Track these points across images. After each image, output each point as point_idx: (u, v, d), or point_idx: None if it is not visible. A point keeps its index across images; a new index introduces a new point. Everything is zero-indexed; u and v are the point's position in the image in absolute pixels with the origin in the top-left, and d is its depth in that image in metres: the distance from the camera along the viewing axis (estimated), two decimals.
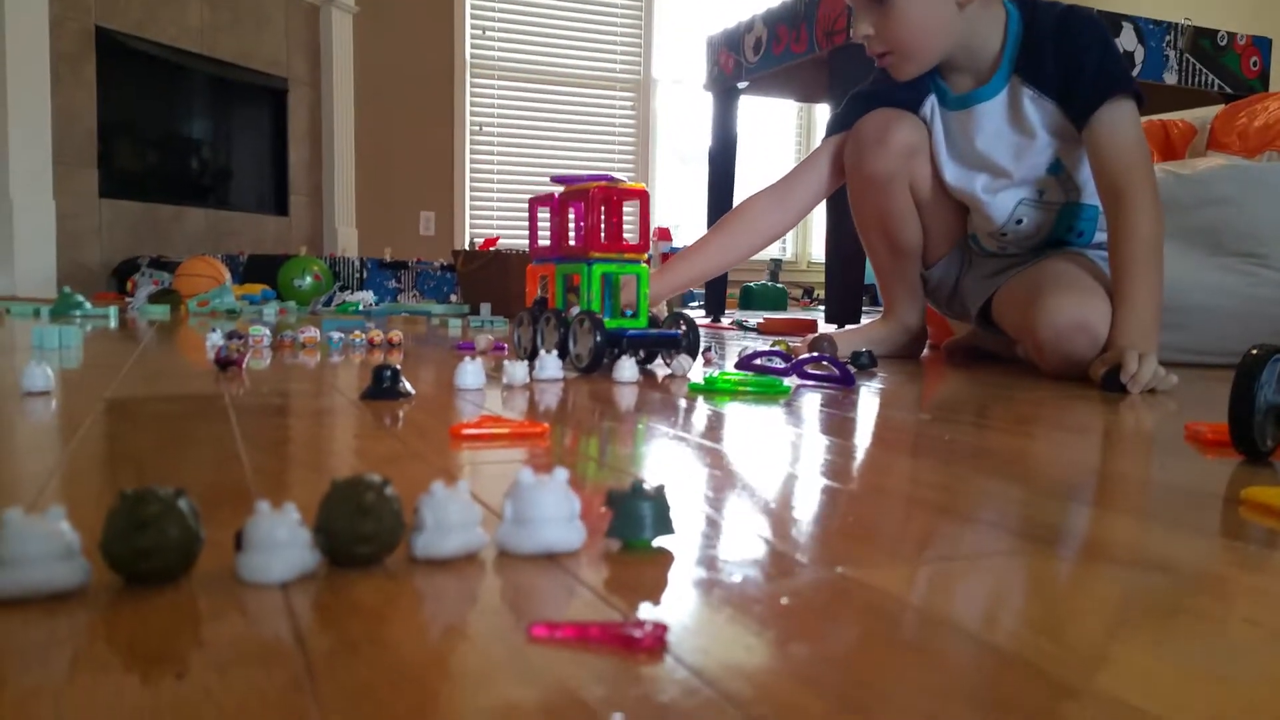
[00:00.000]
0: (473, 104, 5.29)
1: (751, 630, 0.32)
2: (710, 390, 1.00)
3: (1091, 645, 0.32)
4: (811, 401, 0.97)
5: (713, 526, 0.46)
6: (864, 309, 2.56)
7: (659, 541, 0.42)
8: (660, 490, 0.41)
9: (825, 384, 1.12)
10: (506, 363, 1.02)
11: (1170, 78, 2.62)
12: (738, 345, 1.72)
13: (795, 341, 1.63)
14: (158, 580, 0.35)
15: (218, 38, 4.19)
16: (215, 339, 1.22)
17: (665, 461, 0.63)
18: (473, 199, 5.33)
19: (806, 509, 0.51)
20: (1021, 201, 1.43)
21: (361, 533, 0.36)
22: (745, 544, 0.43)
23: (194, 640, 0.30)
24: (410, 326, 2.27)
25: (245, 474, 0.55)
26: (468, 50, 5.24)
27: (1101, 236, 1.39)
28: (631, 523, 0.40)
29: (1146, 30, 2.57)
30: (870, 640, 0.32)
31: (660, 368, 1.25)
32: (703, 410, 0.88)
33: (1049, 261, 1.38)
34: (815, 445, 0.72)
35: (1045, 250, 1.45)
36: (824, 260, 2.51)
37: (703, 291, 3.58)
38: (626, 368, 1.09)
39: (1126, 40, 2.55)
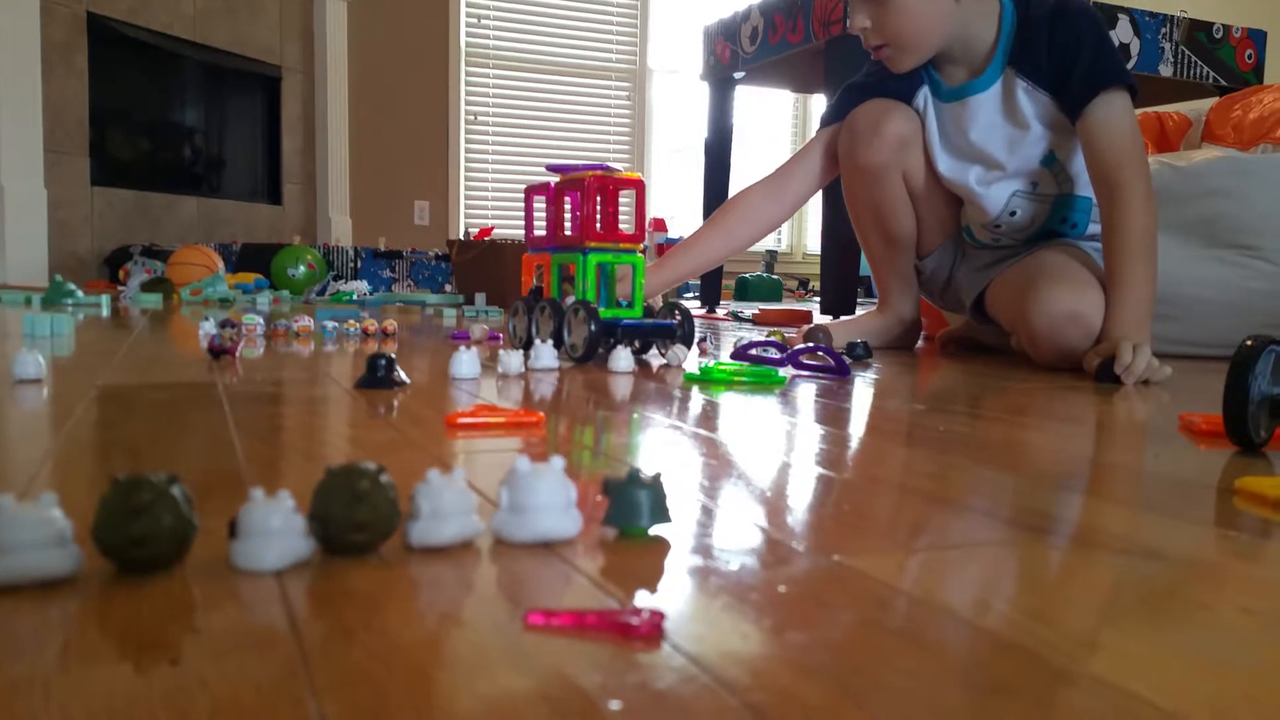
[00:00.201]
0: (468, 93, 5.27)
1: (748, 618, 0.32)
2: (705, 380, 1.00)
3: (1087, 632, 0.32)
4: (806, 392, 0.97)
5: (709, 515, 0.46)
6: (858, 300, 2.56)
7: (655, 530, 0.41)
8: (657, 479, 0.41)
9: (820, 374, 1.12)
10: (502, 352, 1.02)
11: (1165, 70, 2.62)
12: (733, 336, 1.71)
13: (790, 332, 1.63)
14: (151, 568, 0.35)
15: (211, 25, 4.17)
16: (208, 327, 1.21)
17: (661, 450, 0.63)
18: (467, 189, 5.32)
19: (802, 498, 0.51)
20: (1015, 193, 1.43)
21: (357, 520, 0.36)
22: (741, 532, 0.43)
23: (187, 628, 0.30)
24: (405, 316, 2.26)
25: (239, 462, 0.55)
26: (463, 39, 5.22)
27: (1095, 228, 1.39)
28: (628, 511, 0.40)
29: (1142, 22, 2.57)
30: (867, 627, 0.32)
31: (655, 358, 1.25)
32: (698, 400, 0.88)
33: (1043, 253, 1.38)
34: (810, 435, 0.72)
35: (1039, 242, 1.45)
36: (819, 252, 2.51)
37: (698, 283, 3.58)
38: (622, 358, 1.09)
39: (1122, 32, 2.55)
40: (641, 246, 1.24)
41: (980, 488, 0.55)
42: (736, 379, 1.00)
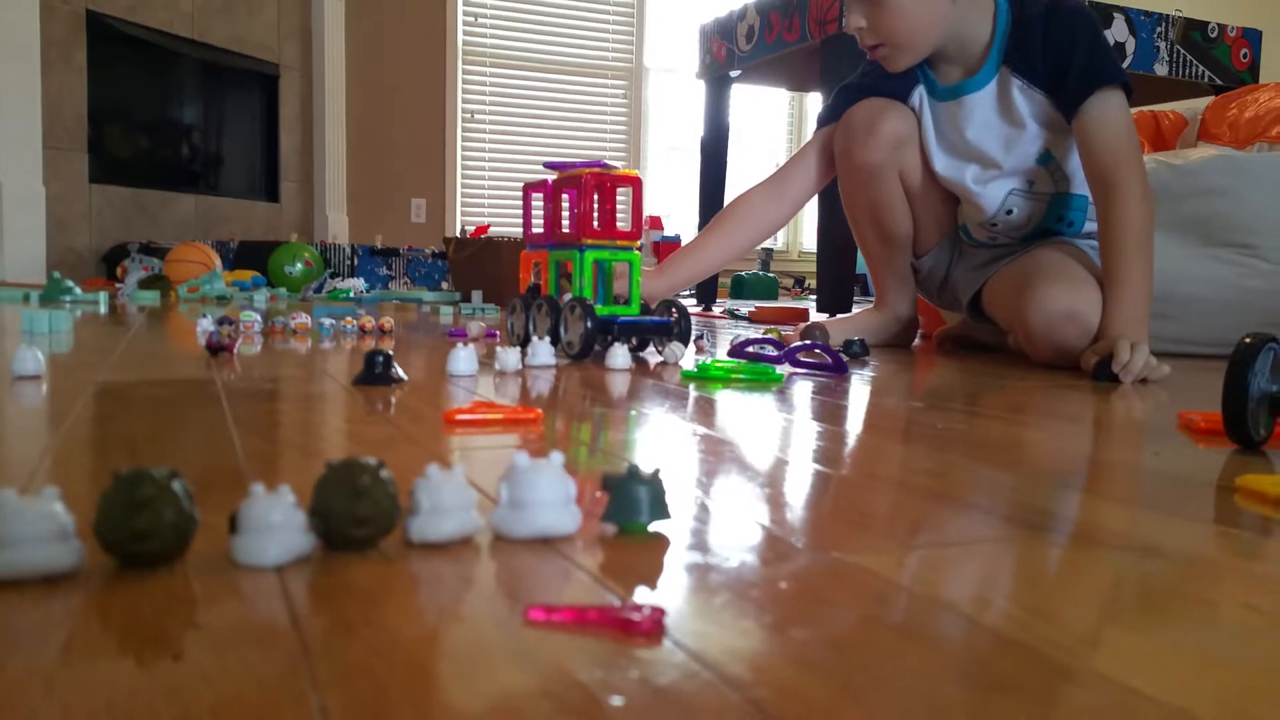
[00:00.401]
0: (464, 91, 5.26)
1: (749, 614, 0.32)
2: (703, 378, 1.00)
3: (1088, 628, 0.32)
4: (804, 389, 0.97)
5: (708, 512, 0.46)
6: (854, 299, 2.56)
7: (655, 526, 0.41)
8: (656, 475, 0.41)
9: (818, 372, 1.12)
10: (499, 349, 1.02)
11: (1161, 69, 2.62)
12: (730, 333, 1.71)
13: (787, 330, 1.63)
14: (152, 562, 0.35)
15: (209, 23, 4.16)
16: (206, 324, 1.21)
17: (659, 447, 0.63)
18: (464, 186, 5.31)
19: (801, 495, 0.51)
20: (1012, 192, 1.43)
21: (357, 515, 0.36)
22: (741, 529, 0.43)
23: (189, 623, 0.30)
24: (401, 314, 2.26)
25: (238, 457, 0.55)
26: (460, 37, 5.22)
27: (1092, 226, 1.39)
28: (628, 507, 0.40)
29: (1138, 21, 2.58)
30: (868, 624, 0.32)
31: (652, 355, 1.25)
32: (695, 397, 0.88)
33: (1039, 251, 1.38)
34: (808, 432, 0.72)
35: (1036, 240, 1.45)
36: (815, 250, 2.51)
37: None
38: (619, 355, 1.09)
39: (1118, 31, 2.55)
40: (638, 244, 1.24)
41: (979, 485, 0.55)
42: (734, 376, 1.00)
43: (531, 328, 1.25)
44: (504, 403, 0.80)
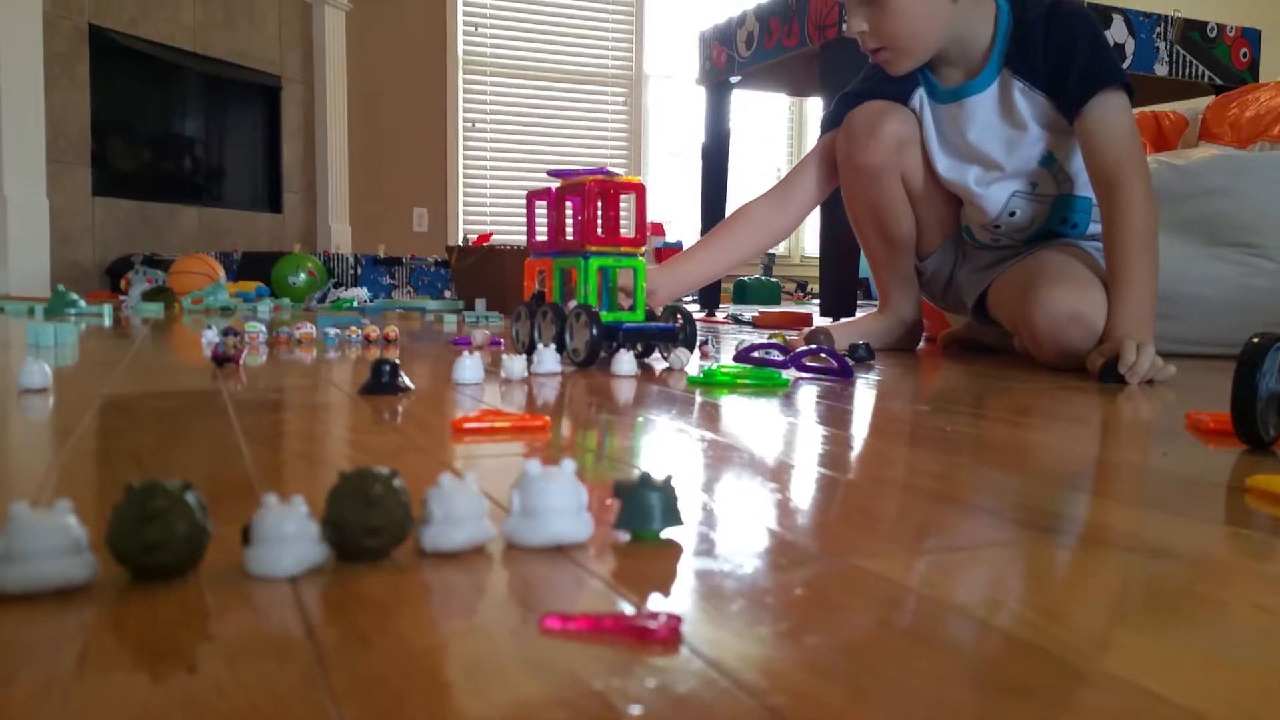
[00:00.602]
0: (465, 100, 5.27)
1: (763, 620, 0.32)
2: (709, 383, 1.00)
3: (1101, 630, 0.32)
4: (810, 394, 0.97)
5: (720, 518, 0.46)
6: (858, 302, 2.56)
7: (667, 533, 0.41)
8: (668, 481, 0.41)
9: (823, 376, 1.12)
10: (505, 357, 1.02)
11: (1161, 69, 2.62)
12: (734, 339, 1.72)
13: (791, 334, 1.63)
14: (165, 574, 0.35)
15: (211, 36, 4.18)
16: (211, 335, 1.21)
17: (668, 454, 0.63)
18: (466, 195, 5.32)
19: (810, 500, 0.51)
20: (1015, 194, 1.43)
21: (370, 524, 0.36)
22: (752, 535, 0.43)
23: (203, 635, 0.30)
24: (405, 322, 2.26)
25: (247, 468, 0.55)
26: (460, 46, 5.23)
27: (1096, 228, 1.39)
28: (640, 514, 0.40)
29: (1137, 22, 2.58)
30: (882, 629, 0.32)
31: (657, 361, 1.25)
32: (702, 403, 0.88)
33: (1044, 253, 1.38)
34: (815, 436, 0.72)
35: (1039, 242, 1.45)
36: (818, 254, 2.51)
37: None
38: (625, 361, 1.09)
39: (1117, 32, 2.55)
40: (642, 250, 1.24)
41: (988, 488, 0.55)
42: (740, 382, 1.00)
43: (537, 335, 1.26)
44: (511, 410, 0.80)
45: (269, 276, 3.45)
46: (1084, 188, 1.39)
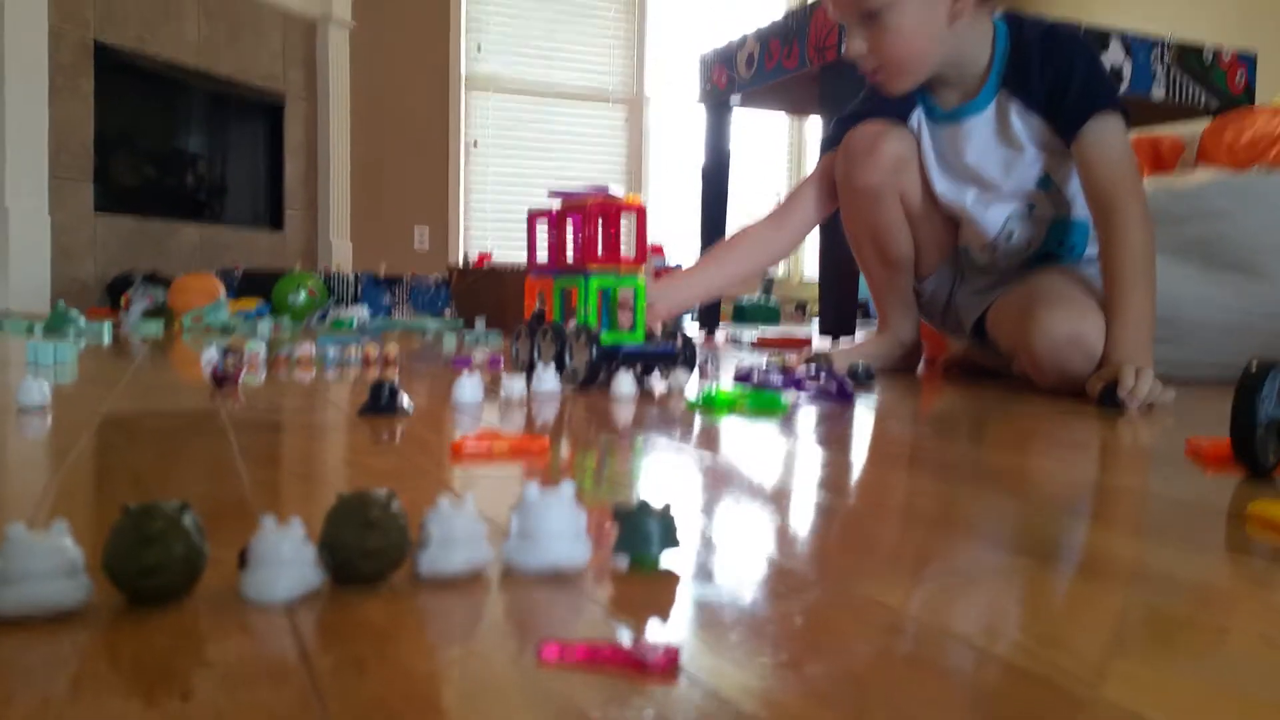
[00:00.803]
0: (467, 119, 5.29)
1: (763, 649, 0.32)
2: (708, 405, 1.00)
3: (1102, 659, 0.32)
4: (809, 417, 0.97)
5: (719, 544, 0.46)
6: (857, 322, 2.56)
7: (666, 559, 0.41)
8: (667, 509, 0.41)
9: (823, 399, 1.12)
10: (505, 377, 1.02)
11: (1158, 92, 2.63)
12: (733, 361, 1.71)
13: (792, 356, 1.63)
14: (162, 597, 0.34)
15: (215, 53, 4.19)
16: (210, 355, 1.21)
17: (667, 477, 0.63)
18: (467, 214, 5.33)
19: (811, 526, 0.51)
20: (1012, 215, 1.43)
21: (368, 548, 0.36)
22: (751, 561, 0.42)
23: (198, 660, 0.30)
24: (405, 342, 2.26)
25: (245, 490, 0.55)
26: (463, 66, 5.25)
27: (1093, 251, 1.39)
28: (639, 539, 0.40)
29: (1134, 45, 2.59)
30: (883, 657, 0.31)
31: (657, 382, 1.25)
32: (701, 425, 0.87)
33: (1042, 276, 1.39)
34: (815, 460, 0.72)
35: (1037, 264, 1.45)
36: (817, 276, 2.51)
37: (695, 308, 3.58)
38: (625, 382, 1.09)
39: (1114, 54, 2.56)
40: (642, 271, 1.24)
41: (988, 514, 0.54)
42: (740, 404, 1.00)
43: (536, 355, 1.26)
44: (510, 432, 0.80)
45: (270, 294, 3.45)
46: (1081, 211, 1.39)
